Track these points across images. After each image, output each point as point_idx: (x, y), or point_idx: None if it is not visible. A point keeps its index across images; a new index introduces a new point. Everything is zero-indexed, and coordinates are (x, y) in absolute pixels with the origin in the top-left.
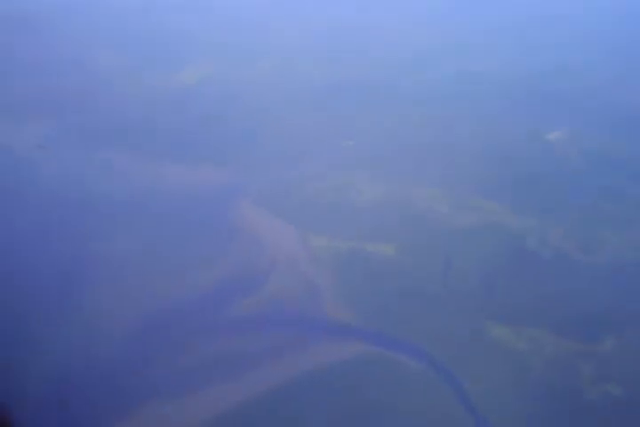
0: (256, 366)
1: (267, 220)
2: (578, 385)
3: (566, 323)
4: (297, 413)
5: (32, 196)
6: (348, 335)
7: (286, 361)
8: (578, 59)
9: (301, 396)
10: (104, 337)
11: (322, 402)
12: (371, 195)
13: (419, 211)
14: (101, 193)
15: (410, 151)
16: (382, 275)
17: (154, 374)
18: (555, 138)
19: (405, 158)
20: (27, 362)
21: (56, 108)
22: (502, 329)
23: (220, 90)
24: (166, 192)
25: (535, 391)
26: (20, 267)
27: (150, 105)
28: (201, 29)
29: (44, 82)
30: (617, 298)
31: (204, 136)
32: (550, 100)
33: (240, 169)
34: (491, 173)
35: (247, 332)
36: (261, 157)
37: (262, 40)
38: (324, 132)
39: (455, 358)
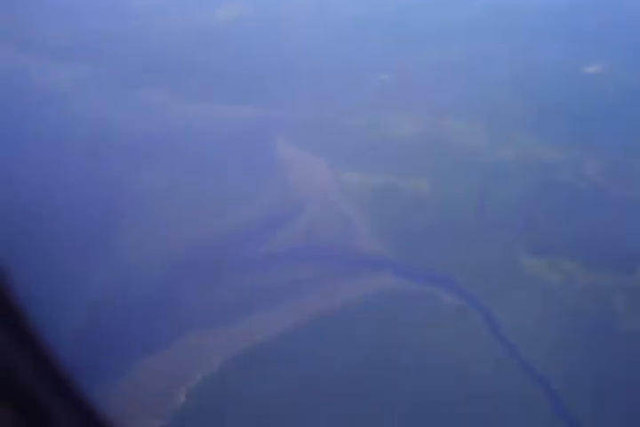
0: (289, 299)
1: (301, 156)
2: (611, 317)
3: (600, 255)
4: (328, 344)
5: (69, 136)
6: (380, 269)
7: (318, 294)
8: None
9: (332, 329)
10: (140, 270)
11: (354, 334)
12: (404, 130)
13: (453, 145)
14: (138, 132)
15: (445, 86)
16: (416, 209)
17: (187, 306)
18: (590, 72)
19: (440, 93)
20: (63, 295)
21: (92, 49)
22: (537, 262)
23: (257, 27)
24: (202, 129)
25: (569, 323)
26: (57, 202)
27: (186, 43)
28: None
29: (79, 24)
30: None
31: (239, 73)
32: (583, 34)
33: (275, 106)
34: (526, 106)
35: (280, 265)
36: (296, 94)
37: None
38: (359, 67)
39: (489, 291)
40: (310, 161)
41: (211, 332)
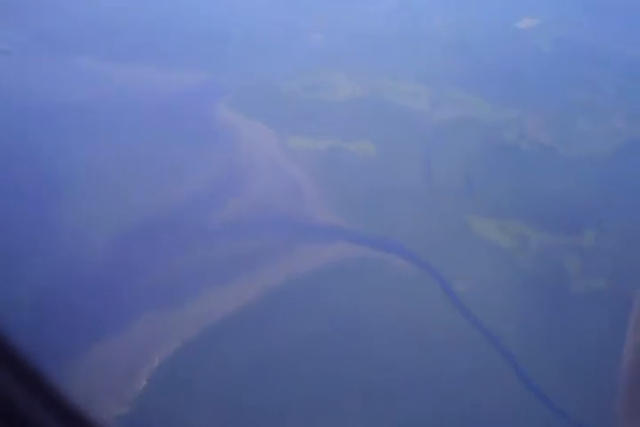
0: (243, 271)
1: (242, 121)
2: (563, 278)
3: (548, 216)
4: (286, 317)
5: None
6: (331, 236)
7: (273, 265)
8: None
9: (289, 299)
10: (91, 245)
11: (311, 304)
12: (346, 92)
13: (396, 107)
14: (73, 98)
15: (383, 45)
16: (363, 174)
17: (137, 285)
18: (525, 27)
19: (378, 53)
20: (14, 271)
21: (18, 13)
22: (486, 224)
23: None
24: (140, 96)
25: (521, 285)
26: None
27: (116, 4)
28: None
29: None
30: (597, 190)
31: (172, 36)
32: None
33: (212, 69)
34: (465, 65)
35: (231, 237)
36: (232, 56)
37: None
38: (290, 26)
39: (441, 255)
40: (253, 126)
41: (165, 310)
